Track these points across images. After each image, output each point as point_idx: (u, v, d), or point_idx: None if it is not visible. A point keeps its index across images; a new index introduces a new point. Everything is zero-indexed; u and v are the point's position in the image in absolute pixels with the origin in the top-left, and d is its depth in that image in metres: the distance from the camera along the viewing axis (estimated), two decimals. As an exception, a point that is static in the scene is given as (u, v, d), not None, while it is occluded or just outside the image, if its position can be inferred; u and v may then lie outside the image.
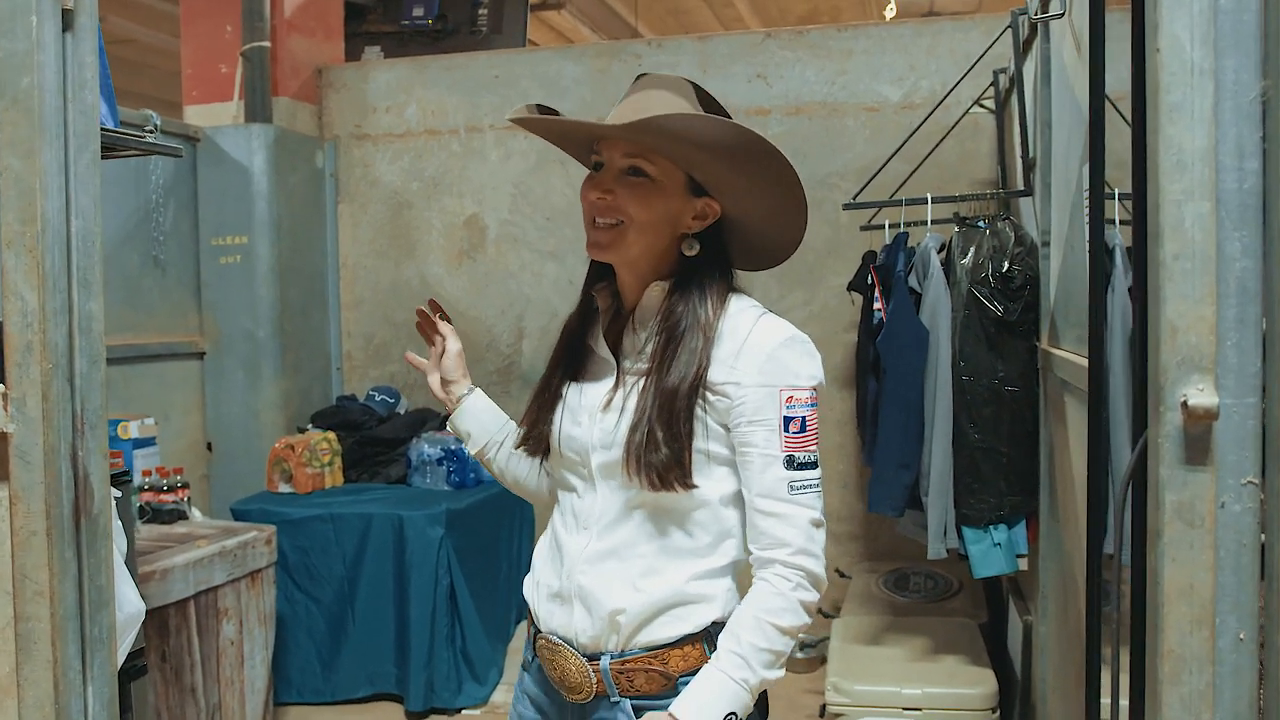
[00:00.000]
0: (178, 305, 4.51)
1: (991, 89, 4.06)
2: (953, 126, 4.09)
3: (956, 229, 3.21)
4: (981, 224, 3.22)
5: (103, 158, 2.36)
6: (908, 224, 4.10)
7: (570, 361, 1.62)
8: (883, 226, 4.01)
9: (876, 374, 3.64)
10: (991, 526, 3.03)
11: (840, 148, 4.52)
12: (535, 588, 1.62)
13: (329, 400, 4.95)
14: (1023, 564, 3.05)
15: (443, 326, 1.78)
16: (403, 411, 4.86)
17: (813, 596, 1.44)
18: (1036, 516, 3.03)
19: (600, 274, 1.62)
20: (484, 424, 1.76)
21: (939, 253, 3.20)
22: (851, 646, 3.46)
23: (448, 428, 1.87)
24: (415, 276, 4.97)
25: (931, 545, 3.05)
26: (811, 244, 4.50)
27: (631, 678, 1.48)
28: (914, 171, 4.04)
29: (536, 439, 1.62)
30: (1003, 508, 3.01)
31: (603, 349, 1.59)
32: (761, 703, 1.50)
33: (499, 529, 4.49)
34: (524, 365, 4.87)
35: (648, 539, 1.49)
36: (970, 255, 3.09)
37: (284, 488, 4.39)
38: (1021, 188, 3.28)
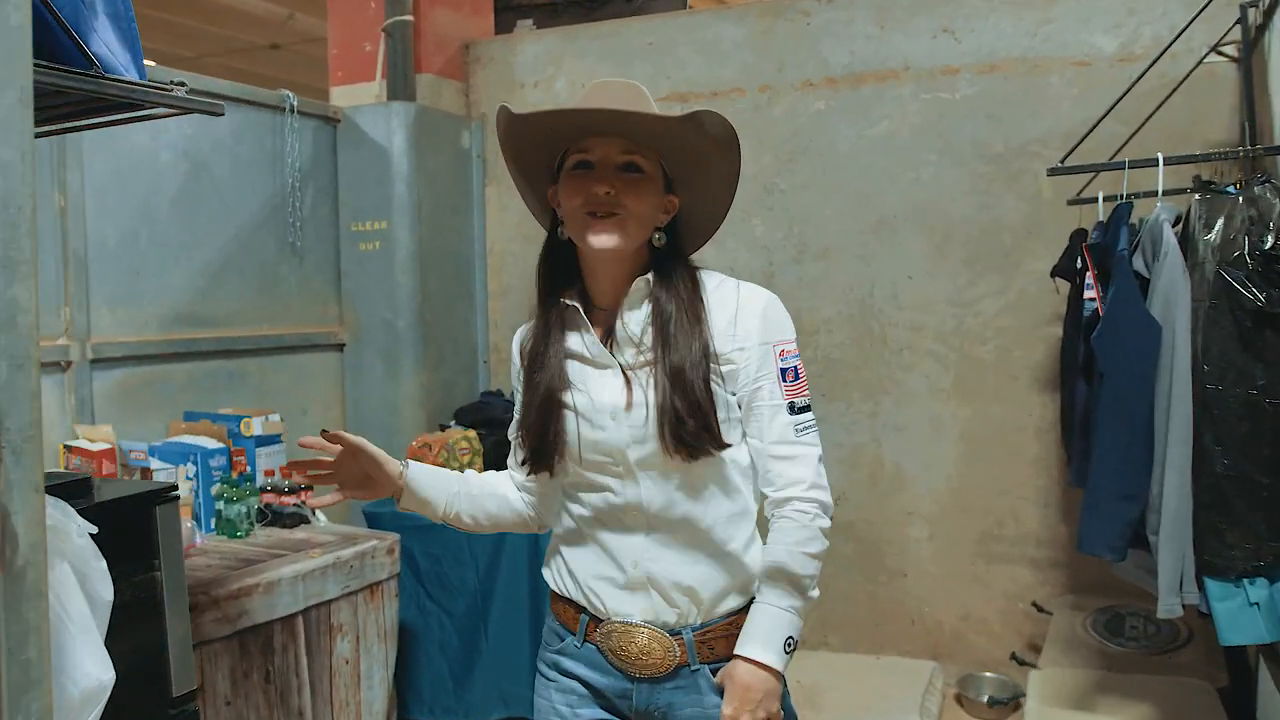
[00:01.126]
0: (316, 294, 4.17)
1: (1238, 27, 3.25)
2: (1184, 78, 3.31)
3: (1197, 197, 2.47)
4: (1231, 190, 2.47)
5: (129, 119, 1.96)
6: (1129, 196, 3.34)
7: (557, 370, 1.61)
8: (1095, 200, 3.27)
9: (1089, 377, 2.91)
10: (1246, 580, 2.29)
11: (1042, 110, 3.77)
12: (579, 583, 1.64)
13: (474, 395, 4.53)
14: (1288, 629, 2.31)
15: (330, 436, 1.65)
16: (549, 409, 4.39)
17: (828, 523, 1.59)
18: (1307, 567, 2.29)
19: (560, 284, 1.64)
20: (436, 486, 1.74)
21: (1174, 227, 2.47)
22: (1053, 710, 2.76)
23: (398, 509, 1.74)
24: (564, 264, 4.49)
25: (1163, 600, 2.33)
26: (1007, 223, 3.79)
27: (712, 645, 1.59)
28: (1134, 135, 3.29)
29: (547, 453, 1.61)
30: (1261, 556, 2.27)
31: (599, 351, 1.61)
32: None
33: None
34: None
35: (699, 516, 1.58)
36: (1218, 229, 2.35)
37: (420, 490, 3.99)
38: (1286, 143, 2.52)
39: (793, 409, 1.57)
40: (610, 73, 4.32)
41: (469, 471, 1.80)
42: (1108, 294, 2.46)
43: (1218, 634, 2.31)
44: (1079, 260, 3.26)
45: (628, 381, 1.58)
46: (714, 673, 1.59)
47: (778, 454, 1.58)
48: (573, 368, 1.62)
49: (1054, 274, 3.44)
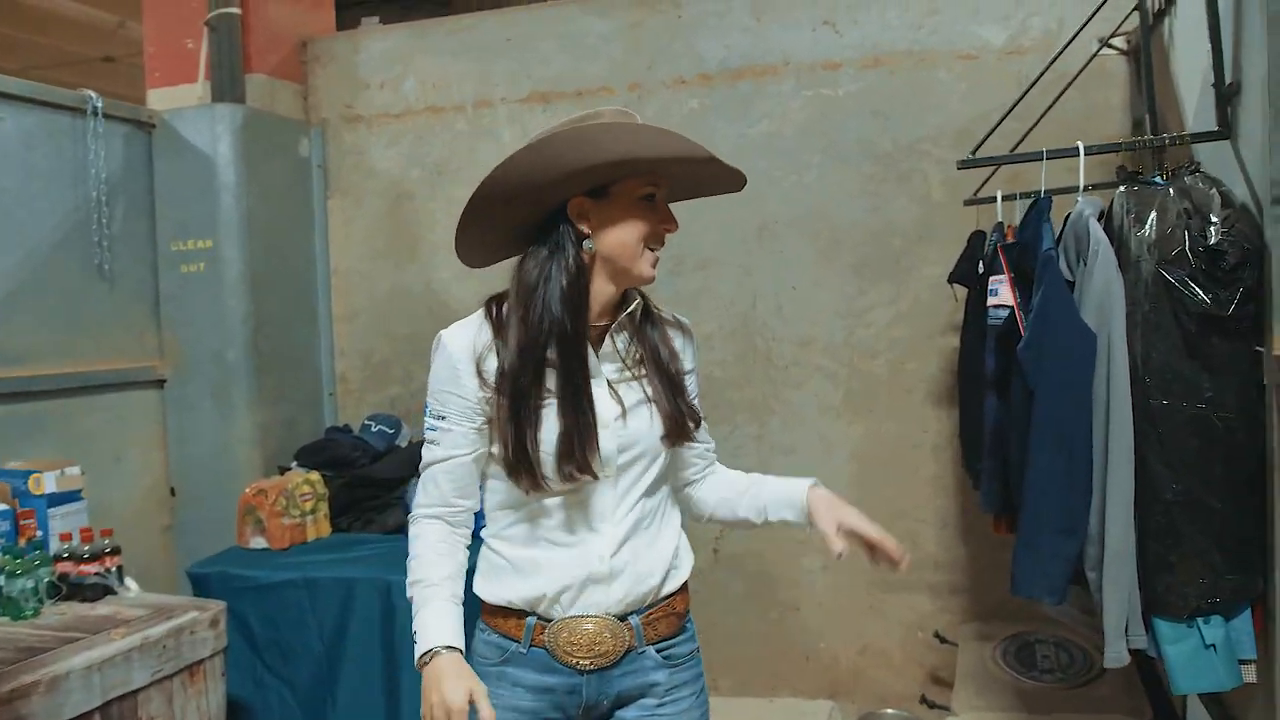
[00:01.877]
0: (131, 324, 3.60)
1: (1130, 18, 3.03)
2: (1080, 71, 3.08)
3: (1123, 189, 2.19)
4: (1159, 181, 2.20)
5: None
6: (1027, 194, 3.08)
7: (559, 383, 1.62)
8: (994, 200, 3.01)
9: (1002, 392, 2.62)
10: (1199, 619, 2.01)
11: (930, 107, 3.50)
12: (535, 589, 1.66)
13: (319, 433, 4.02)
14: (1250, 674, 2.02)
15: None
16: (404, 444, 3.91)
17: None
18: (1265, 603, 2.02)
19: (576, 294, 1.66)
20: (461, 628, 1.67)
21: (1098, 222, 2.18)
22: (981, 766, 2.45)
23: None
24: (419, 282, 4.02)
25: (1109, 645, 2.03)
26: (898, 226, 3.49)
27: (656, 626, 1.71)
28: (1029, 132, 3.04)
29: (577, 464, 1.61)
30: (1217, 592, 1.99)
31: (594, 364, 1.65)
32: None
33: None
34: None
35: (650, 510, 1.72)
36: (1151, 224, 2.07)
37: (257, 542, 3.46)
38: (1215, 128, 2.25)
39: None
40: (464, 72, 3.92)
41: (440, 576, 1.68)
42: (1031, 300, 2.16)
43: (1171, 682, 2.02)
44: (979, 264, 2.98)
45: (615, 393, 1.67)
46: (659, 653, 1.71)
47: (707, 446, 1.88)
48: (553, 378, 1.64)
49: (952, 280, 3.15)
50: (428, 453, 1.71)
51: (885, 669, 3.64)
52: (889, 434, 3.57)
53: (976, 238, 3.08)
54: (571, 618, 1.66)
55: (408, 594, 1.70)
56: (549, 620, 1.67)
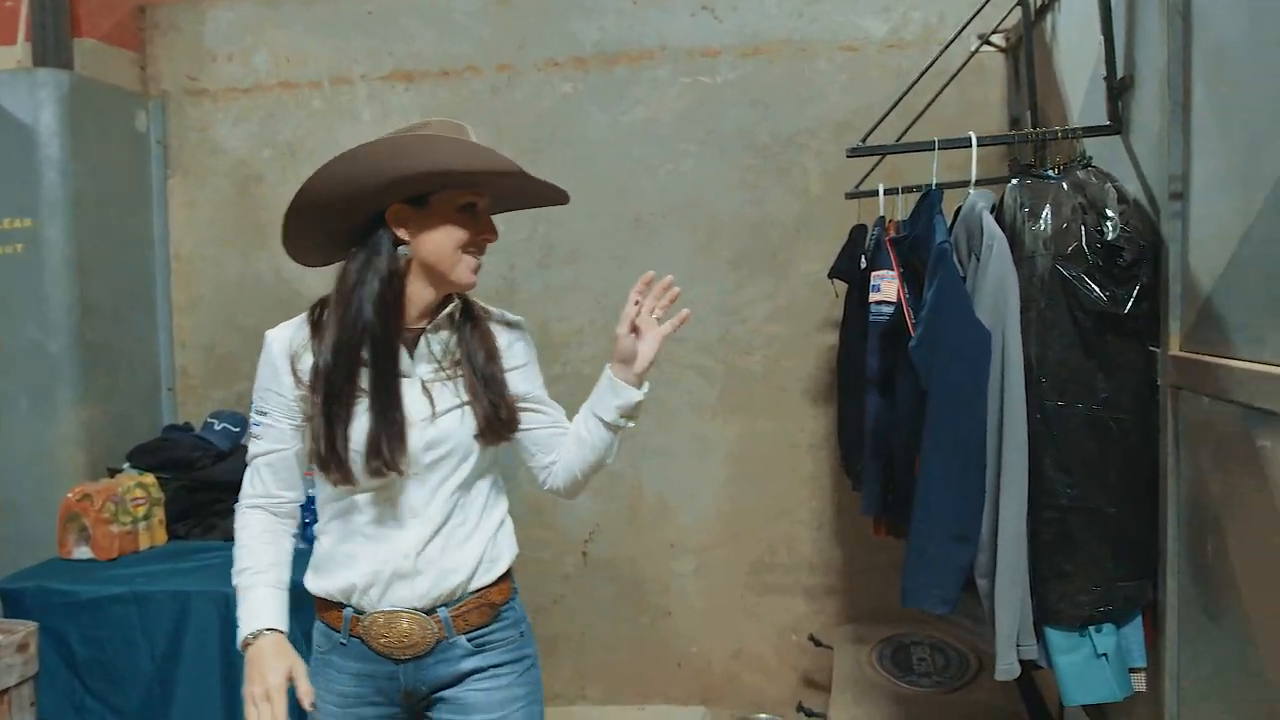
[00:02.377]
0: (-64, 310, 3.22)
1: (1012, 14, 2.97)
2: (961, 68, 3.01)
3: (1015, 183, 2.10)
4: (1052, 175, 2.11)
5: None
6: (910, 189, 3.00)
7: (368, 382, 1.65)
8: (876, 193, 2.92)
9: (885, 391, 2.52)
10: (1092, 628, 1.92)
11: (810, 98, 3.39)
12: (349, 579, 1.70)
13: (156, 431, 3.67)
14: (1139, 683, 1.95)
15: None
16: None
17: None
18: (1155, 610, 1.95)
19: (389, 298, 1.67)
20: (287, 613, 1.73)
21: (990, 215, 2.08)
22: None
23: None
24: (269, 270, 3.71)
25: (1000, 657, 1.92)
26: (776, 220, 3.37)
27: (466, 618, 1.73)
28: (910, 128, 2.95)
29: (385, 462, 1.63)
30: (1110, 599, 1.90)
31: (407, 365, 1.69)
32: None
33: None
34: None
35: (462, 509, 1.74)
36: (1046, 218, 1.97)
37: (81, 552, 3.12)
38: (1107, 122, 2.18)
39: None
40: (321, 46, 3.64)
41: (265, 564, 1.73)
42: (925, 295, 2.05)
43: (1062, 693, 1.93)
44: (861, 259, 2.88)
45: (426, 393, 1.69)
46: (470, 642, 1.74)
47: (560, 425, 1.84)
48: (368, 377, 1.66)
49: (832, 275, 3.05)
50: (252, 446, 1.75)
51: (759, 673, 3.52)
52: (765, 433, 3.45)
53: (858, 232, 2.98)
54: (382, 611, 1.69)
55: (233, 582, 1.73)
56: (362, 612, 1.71)
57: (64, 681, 2.90)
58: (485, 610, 1.75)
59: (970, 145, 2.18)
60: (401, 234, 1.64)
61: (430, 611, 1.70)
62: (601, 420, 1.75)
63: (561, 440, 1.82)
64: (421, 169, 1.57)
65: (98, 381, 3.43)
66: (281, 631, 1.67)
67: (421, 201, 1.64)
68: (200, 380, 3.79)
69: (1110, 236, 1.89)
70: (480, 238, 1.69)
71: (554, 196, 1.80)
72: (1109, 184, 2.00)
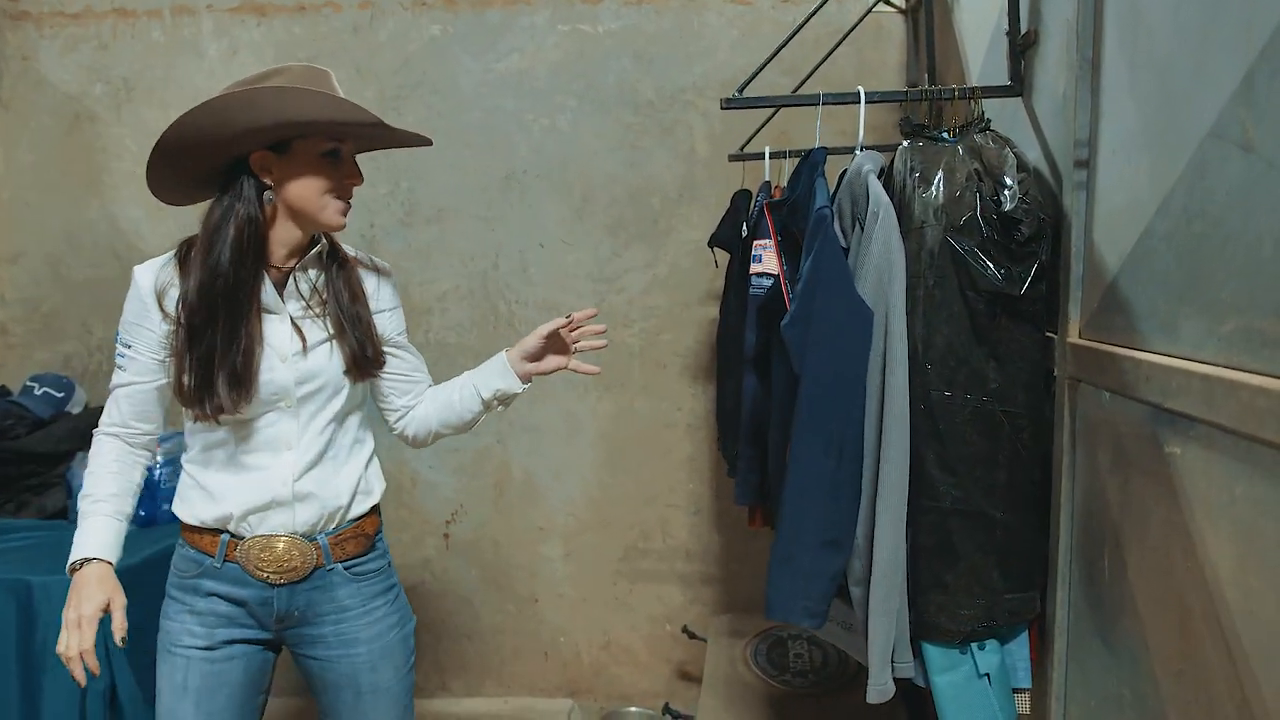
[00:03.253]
0: None
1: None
2: (854, 26, 2.76)
3: (906, 144, 1.85)
4: (947, 137, 1.87)
5: None
6: (798, 152, 2.75)
7: (231, 320, 1.66)
8: (761, 156, 2.67)
9: (762, 372, 2.26)
10: (974, 645, 1.70)
11: (698, 54, 3.11)
12: (224, 507, 1.73)
13: (-31, 394, 3.26)
14: (1023, 705, 1.73)
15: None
16: (75, 410, 3.22)
17: None
18: (1043, 626, 1.73)
19: (248, 242, 1.66)
20: (121, 544, 1.75)
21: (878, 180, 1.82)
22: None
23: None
24: (102, 219, 3.30)
25: (873, 675, 1.68)
26: (658, 183, 3.09)
27: (344, 546, 1.79)
28: (800, 86, 2.71)
29: (242, 392, 1.67)
30: (994, 614, 1.68)
31: (275, 301, 1.72)
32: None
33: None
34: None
35: (335, 441, 1.79)
36: (938, 185, 1.73)
37: None
38: (1008, 82, 1.94)
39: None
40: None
41: (106, 493, 1.74)
42: (801, 268, 1.79)
43: (940, 715, 1.70)
44: (743, 227, 2.62)
45: (296, 329, 1.72)
46: (348, 570, 1.79)
47: (420, 374, 1.93)
48: (241, 317, 1.68)
49: (712, 243, 2.78)
50: (115, 376, 1.75)
51: (630, 665, 3.28)
52: (641, 411, 3.19)
53: (741, 197, 2.71)
54: (261, 536, 1.73)
55: (78, 507, 1.75)
56: (240, 538, 1.74)
57: None
58: (361, 540, 1.81)
59: (859, 102, 1.92)
60: (266, 179, 1.66)
61: (311, 538, 1.76)
62: (479, 394, 1.85)
63: (418, 388, 1.91)
64: (282, 120, 1.57)
65: (-106, 338, 3.00)
66: (108, 562, 1.68)
67: (284, 148, 1.65)
68: (21, 339, 3.37)
69: (1007, 207, 1.65)
70: (346, 182, 1.72)
71: (417, 141, 1.81)
72: (1007, 149, 1.75)
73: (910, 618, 1.71)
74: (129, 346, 1.72)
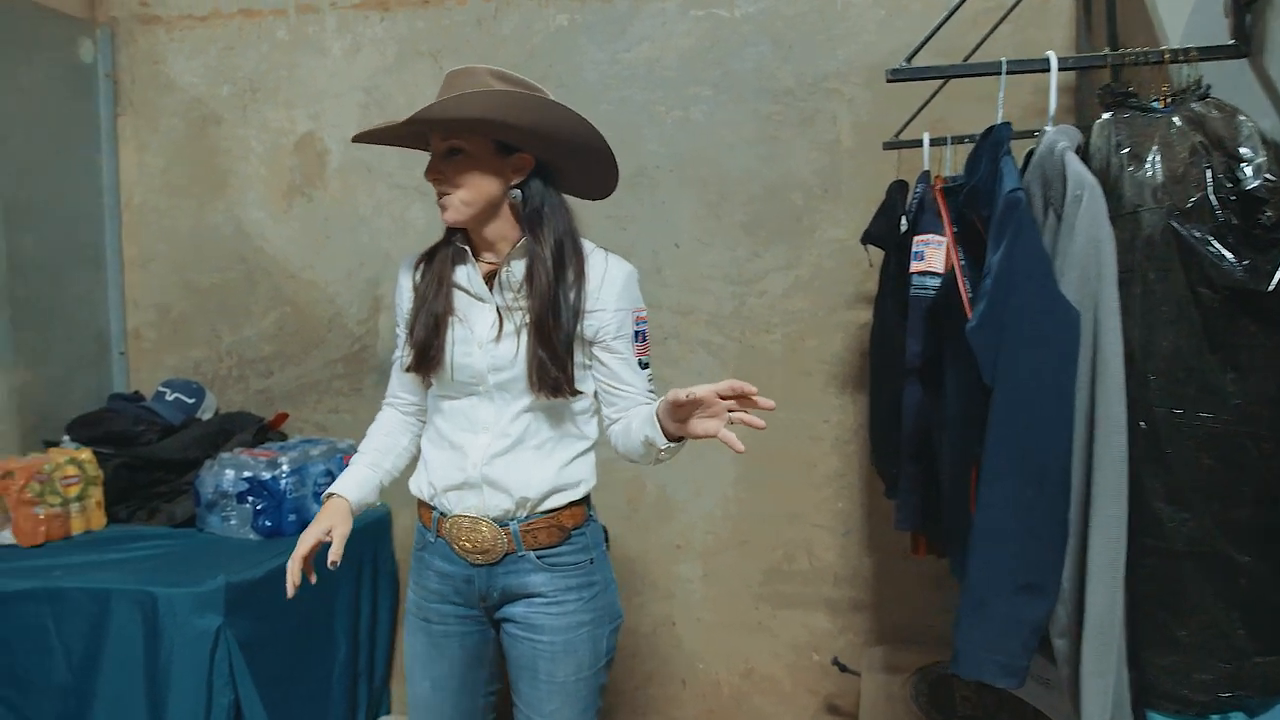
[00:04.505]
0: None
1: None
2: (1017, 2, 2.44)
3: (1109, 116, 1.56)
4: (1158, 107, 1.57)
5: None
6: (962, 138, 2.47)
7: (446, 297, 1.78)
8: (919, 143, 2.39)
9: (929, 381, 1.99)
10: (1215, 716, 1.40)
11: (842, 37, 2.83)
12: (431, 484, 1.83)
13: (102, 400, 3.20)
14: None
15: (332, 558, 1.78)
16: (205, 416, 3.13)
17: None
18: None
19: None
20: (373, 488, 1.91)
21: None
22: None
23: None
24: (227, 222, 3.21)
25: (1085, 745, 1.40)
26: (799, 178, 2.82)
27: (536, 535, 1.77)
28: (972, 53, 2.43)
29: (431, 366, 1.78)
30: (1240, 679, 1.38)
31: (481, 288, 1.77)
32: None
33: (333, 598, 2.80)
34: (381, 352, 3.15)
35: (535, 433, 1.77)
36: (1154, 163, 1.44)
37: (3, 536, 2.67)
38: (1230, 41, 1.63)
39: (643, 365, 1.81)
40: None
41: (377, 445, 1.94)
42: (989, 261, 1.51)
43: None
44: (901, 221, 2.34)
45: (500, 318, 1.74)
46: (539, 559, 1.77)
47: (634, 397, 1.79)
48: (458, 298, 1.79)
49: (865, 240, 2.51)
50: (397, 351, 1.91)
51: (773, 696, 3.01)
52: (783, 423, 2.92)
53: (897, 189, 2.44)
54: (460, 515, 1.78)
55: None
56: (446, 515, 1.81)
57: (-31, 688, 2.47)
58: (554, 531, 1.78)
59: (1049, 69, 1.63)
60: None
61: (503, 524, 1.76)
62: (642, 431, 1.71)
63: (621, 401, 1.80)
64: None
65: (29, 343, 2.96)
66: (346, 500, 1.82)
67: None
68: (154, 344, 3.31)
69: (1250, 185, 1.35)
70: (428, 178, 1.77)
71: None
72: (1240, 118, 1.45)
73: (1130, 678, 1.42)
74: (398, 325, 1.88)
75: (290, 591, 1.74)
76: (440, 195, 1.73)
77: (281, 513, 2.73)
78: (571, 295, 1.73)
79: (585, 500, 1.84)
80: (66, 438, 2.95)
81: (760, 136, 2.88)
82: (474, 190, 1.71)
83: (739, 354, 2.94)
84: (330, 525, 1.76)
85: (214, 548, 2.63)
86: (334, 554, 1.73)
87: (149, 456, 2.93)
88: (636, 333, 1.79)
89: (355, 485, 1.86)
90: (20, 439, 2.94)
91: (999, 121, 1.65)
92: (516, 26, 2.98)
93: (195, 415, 3.11)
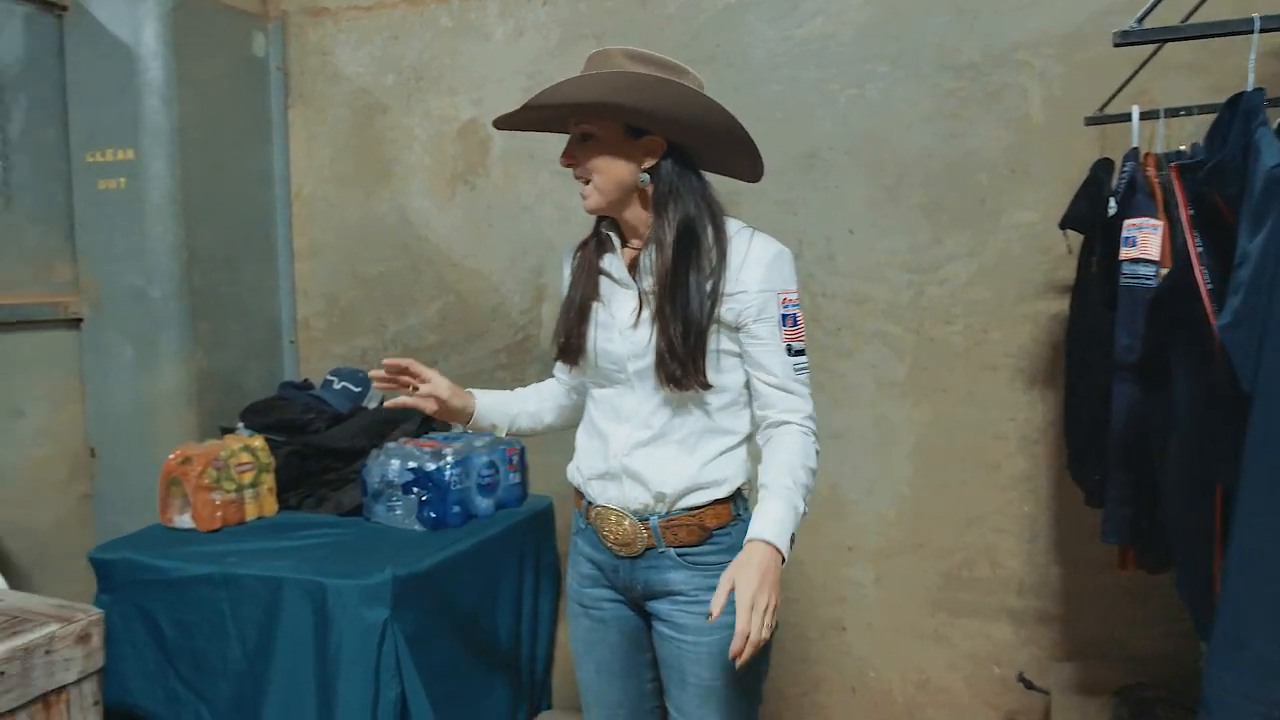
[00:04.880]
0: (35, 249, 2.84)
1: None
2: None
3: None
4: None
5: None
6: (1177, 111, 2.24)
7: (592, 284, 1.76)
8: (1127, 117, 2.17)
9: (1148, 382, 1.79)
10: None
11: (1030, 5, 2.59)
12: (580, 470, 1.83)
13: (274, 388, 3.25)
14: None
15: (421, 375, 1.83)
16: (372, 405, 3.14)
17: (817, 451, 1.71)
18: None
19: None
20: (503, 410, 1.93)
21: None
22: None
23: (468, 430, 1.94)
24: (392, 212, 3.22)
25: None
26: (984, 158, 2.61)
27: (675, 532, 1.72)
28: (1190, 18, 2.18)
29: (573, 353, 1.78)
30: None
31: (623, 274, 1.74)
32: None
33: (496, 591, 2.76)
34: (543, 341, 3.10)
35: (679, 426, 1.71)
36: None
37: (182, 521, 2.73)
38: None
39: (790, 351, 1.67)
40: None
41: (527, 390, 2.00)
42: (1243, 247, 1.32)
43: None
44: (1109, 202, 2.13)
45: (641, 304, 1.69)
46: (680, 556, 1.72)
47: (783, 387, 1.68)
48: (604, 284, 1.76)
49: (1065, 224, 2.30)
50: None
51: (950, 709, 2.83)
52: (965, 420, 2.74)
53: (1102, 167, 2.22)
54: (604, 505, 1.77)
55: None
56: (592, 503, 1.80)
57: (155, 665, 2.55)
58: (695, 530, 1.72)
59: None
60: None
61: (643, 518, 1.73)
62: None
63: (763, 395, 1.70)
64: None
65: (205, 332, 3.02)
66: (469, 395, 1.88)
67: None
68: (322, 333, 3.34)
69: None
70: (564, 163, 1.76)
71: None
72: None
73: None
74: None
75: (371, 374, 1.83)
76: (581, 180, 1.71)
77: (446, 504, 2.70)
78: (705, 280, 1.64)
79: (732, 499, 1.74)
80: (241, 425, 3.00)
81: (941, 113, 2.69)
82: (605, 175, 1.68)
83: (916, 346, 2.76)
84: (445, 383, 1.83)
85: (380, 538, 2.63)
86: (415, 366, 1.81)
87: (318, 445, 2.95)
88: (784, 316, 1.67)
89: (486, 392, 1.91)
90: (199, 425, 3.01)
91: (1250, 88, 1.44)
92: (682, 5, 2.86)
93: (362, 404, 3.13)
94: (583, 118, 1.66)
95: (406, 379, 1.83)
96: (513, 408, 1.94)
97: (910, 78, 2.71)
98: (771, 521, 1.57)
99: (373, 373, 1.83)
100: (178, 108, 2.89)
